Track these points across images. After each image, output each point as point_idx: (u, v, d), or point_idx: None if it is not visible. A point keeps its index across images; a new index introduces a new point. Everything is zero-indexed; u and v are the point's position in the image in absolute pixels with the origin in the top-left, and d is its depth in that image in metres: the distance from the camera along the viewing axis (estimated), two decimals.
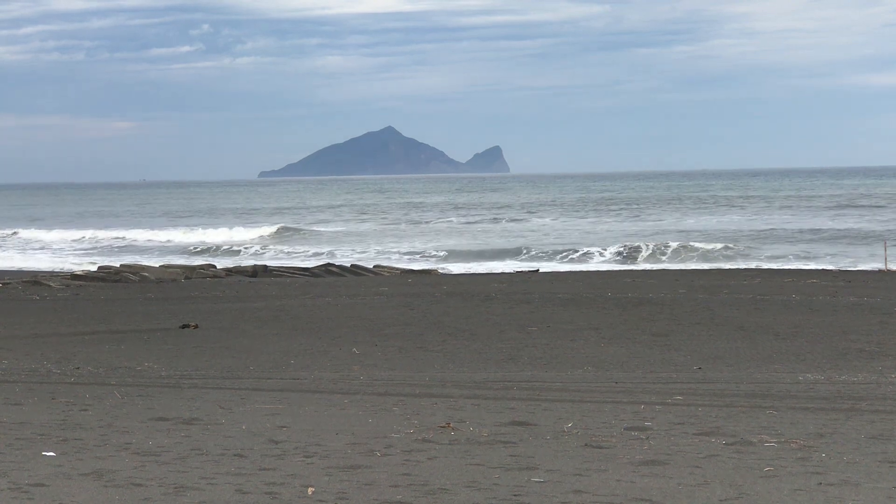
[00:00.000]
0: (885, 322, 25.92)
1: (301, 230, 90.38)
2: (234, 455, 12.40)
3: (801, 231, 76.36)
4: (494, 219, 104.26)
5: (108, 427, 14.25)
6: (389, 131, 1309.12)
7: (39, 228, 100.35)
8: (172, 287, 41.06)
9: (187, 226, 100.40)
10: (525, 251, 65.70)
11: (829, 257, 56.34)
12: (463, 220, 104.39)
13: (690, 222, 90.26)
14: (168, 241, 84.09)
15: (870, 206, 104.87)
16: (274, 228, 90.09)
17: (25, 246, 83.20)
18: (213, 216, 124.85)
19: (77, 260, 67.54)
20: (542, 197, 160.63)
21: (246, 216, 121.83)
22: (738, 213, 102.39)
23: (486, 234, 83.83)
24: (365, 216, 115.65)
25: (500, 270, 52.62)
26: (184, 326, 27.30)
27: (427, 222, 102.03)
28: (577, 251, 63.51)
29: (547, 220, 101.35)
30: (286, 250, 71.71)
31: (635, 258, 60.40)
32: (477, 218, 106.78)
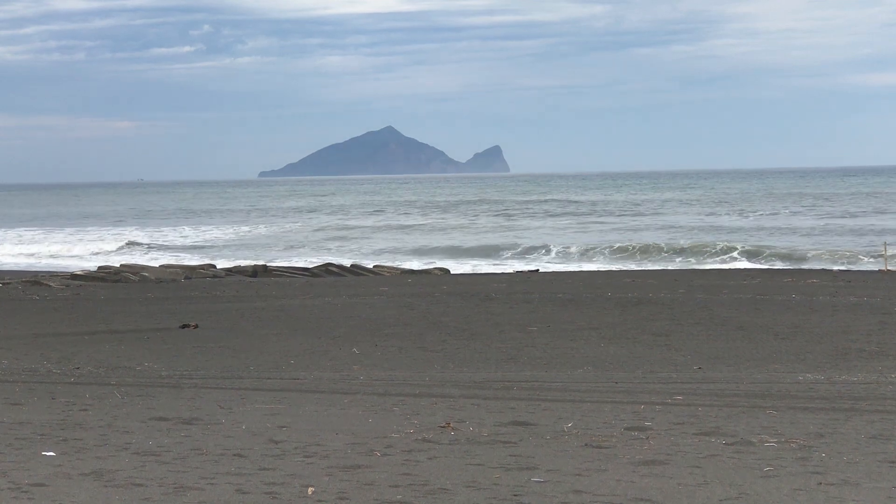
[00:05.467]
0: (885, 322, 25.91)
1: (149, 244, 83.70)
2: (234, 455, 12.40)
3: (798, 231, 76.41)
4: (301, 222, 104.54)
5: (108, 427, 14.25)
6: (389, 131, 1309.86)
7: None
8: (172, 287, 41.06)
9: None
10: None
11: (828, 257, 56.28)
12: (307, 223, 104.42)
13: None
14: None
15: (868, 206, 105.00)
16: (121, 243, 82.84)
17: None
18: (96, 219, 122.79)
19: None
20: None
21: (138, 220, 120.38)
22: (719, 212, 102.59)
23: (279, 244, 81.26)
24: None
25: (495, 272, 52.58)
26: (184, 326, 27.30)
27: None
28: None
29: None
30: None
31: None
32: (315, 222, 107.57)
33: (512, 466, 11.79)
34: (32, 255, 74.90)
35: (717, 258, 58.66)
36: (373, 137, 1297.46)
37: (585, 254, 63.90)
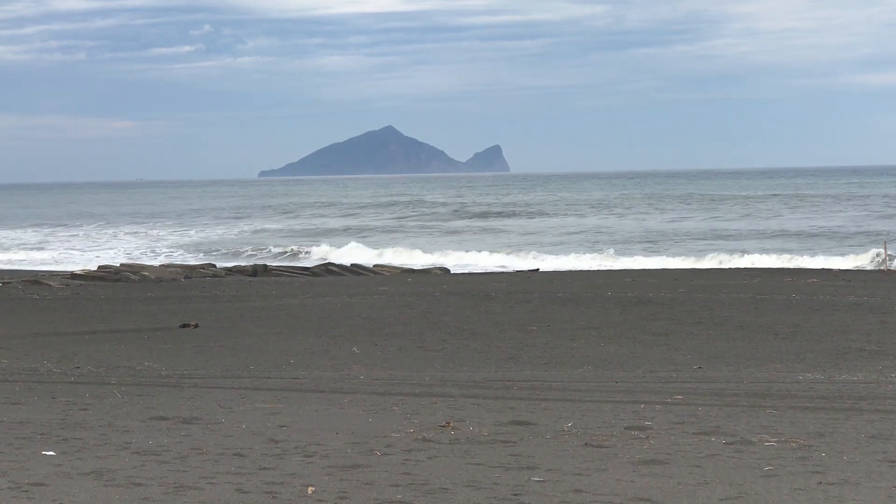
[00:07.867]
0: (885, 322, 25.91)
1: (148, 244, 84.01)
2: (234, 454, 12.40)
3: (799, 230, 76.46)
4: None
5: (108, 426, 14.25)
6: (389, 131, 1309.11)
7: None
8: (172, 286, 41.06)
9: None
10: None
11: (828, 256, 56.32)
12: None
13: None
14: None
15: (868, 205, 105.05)
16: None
17: None
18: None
19: None
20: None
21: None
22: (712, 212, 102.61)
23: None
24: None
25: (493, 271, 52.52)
26: (183, 326, 27.30)
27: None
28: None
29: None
30: None
31: None
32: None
33: (512, 466, 11.79)
34: (32, 257, 74.86)
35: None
36: (373, 137, 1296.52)
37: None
